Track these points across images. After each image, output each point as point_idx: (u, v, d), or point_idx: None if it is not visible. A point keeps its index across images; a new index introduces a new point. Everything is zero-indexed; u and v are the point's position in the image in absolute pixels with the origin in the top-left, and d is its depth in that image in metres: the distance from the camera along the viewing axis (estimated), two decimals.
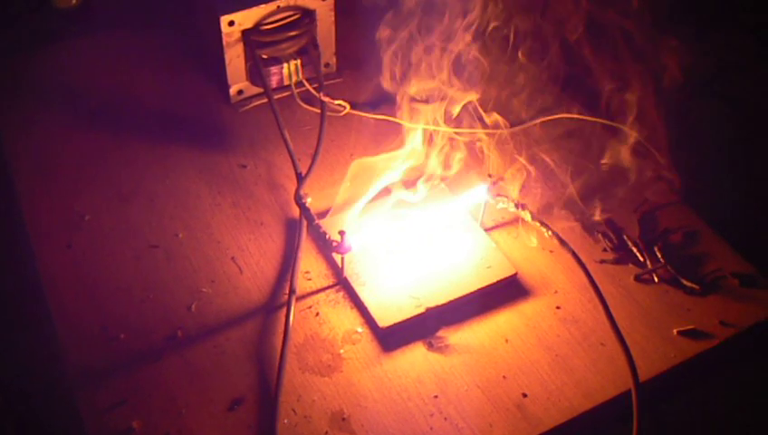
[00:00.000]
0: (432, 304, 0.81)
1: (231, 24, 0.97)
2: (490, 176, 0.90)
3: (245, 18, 0.97)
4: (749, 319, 0.82)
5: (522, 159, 0.88)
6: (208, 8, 0.98)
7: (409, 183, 0.88)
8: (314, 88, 1.01)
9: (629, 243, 0.89)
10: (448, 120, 0.88)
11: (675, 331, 0.81)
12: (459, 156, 0.89)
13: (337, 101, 1.00)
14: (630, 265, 0.87)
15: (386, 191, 0.87)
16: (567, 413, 0.74)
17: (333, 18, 1.03)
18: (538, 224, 0.86)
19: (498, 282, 0.84)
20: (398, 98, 0.88)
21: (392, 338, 0.79)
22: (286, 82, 1.02)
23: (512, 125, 0.92)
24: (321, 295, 0.83)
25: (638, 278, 0.86)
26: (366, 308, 0.81)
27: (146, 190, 0.93)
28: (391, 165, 0.86)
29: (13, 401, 0.80)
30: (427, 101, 0.87)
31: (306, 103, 1.02)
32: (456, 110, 0.88)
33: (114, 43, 1.12)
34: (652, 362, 0.78)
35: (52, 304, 0.81)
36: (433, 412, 0.74)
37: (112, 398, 0.73)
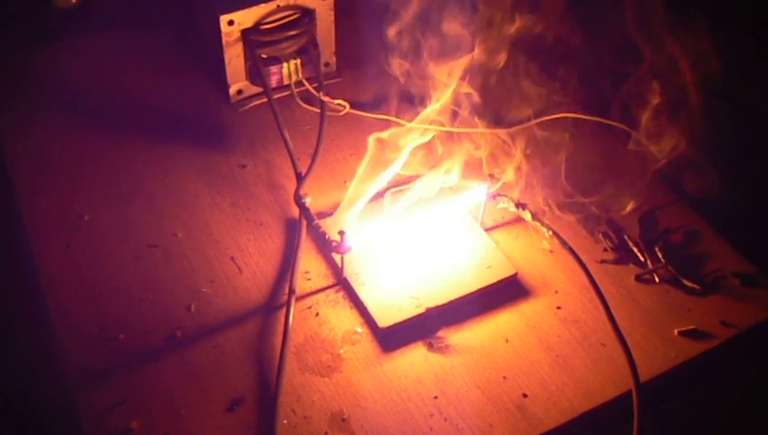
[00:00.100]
0: (432, 305, 0.81)
1: (230, 23, 0.96)
2: (490, 176, 0.90)
3: (245, 17, 0.97)
4: (750, 319, 0.82)
5: (522, 159, 0.88)
6: (208, 8, 0.98)
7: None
8: (314, 87, 1.00)
9: (630, 243, 0.89)
10: (449, 119, 0.88)
11: (675, 331, 0.81)
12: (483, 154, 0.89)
13: (337, 101, 1.00)
14: (631, 266, 0.87)
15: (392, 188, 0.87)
16: (567, 414, 0.74)
17: (333, 18, 1.03)
18: (538, 224, 0.86)
19: (498, 282, 0.83)
20: (398, 97, 0.87)
21: (392, 338, 0.79)
22: (286, 82, 1.01)
23: (511, 124, 0.92)
24: (321, 295, 0.83)
25: (638, 278, 0.86)
26: (366, 308, 0.80)
27: (145, 190, 0.92)
28: (410, 137, 0.85)
29: (12, 401, 0.80)
30: (426, 102, 0.87)
31: (306, 103, 1.01)
32: (459, 111, 0.88)
33: (114, 43, 1.11)
34: (653, 362, 0.78)
35: (51, 304, 0.80)
36: (433, 413, 0.74)
37: (111, 398, 0.73)
